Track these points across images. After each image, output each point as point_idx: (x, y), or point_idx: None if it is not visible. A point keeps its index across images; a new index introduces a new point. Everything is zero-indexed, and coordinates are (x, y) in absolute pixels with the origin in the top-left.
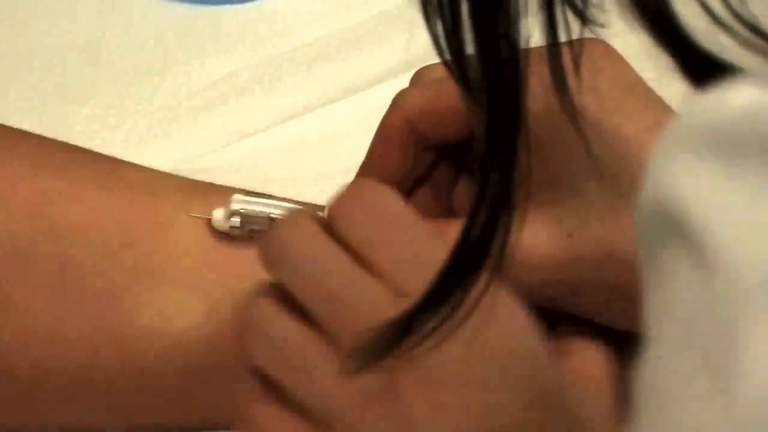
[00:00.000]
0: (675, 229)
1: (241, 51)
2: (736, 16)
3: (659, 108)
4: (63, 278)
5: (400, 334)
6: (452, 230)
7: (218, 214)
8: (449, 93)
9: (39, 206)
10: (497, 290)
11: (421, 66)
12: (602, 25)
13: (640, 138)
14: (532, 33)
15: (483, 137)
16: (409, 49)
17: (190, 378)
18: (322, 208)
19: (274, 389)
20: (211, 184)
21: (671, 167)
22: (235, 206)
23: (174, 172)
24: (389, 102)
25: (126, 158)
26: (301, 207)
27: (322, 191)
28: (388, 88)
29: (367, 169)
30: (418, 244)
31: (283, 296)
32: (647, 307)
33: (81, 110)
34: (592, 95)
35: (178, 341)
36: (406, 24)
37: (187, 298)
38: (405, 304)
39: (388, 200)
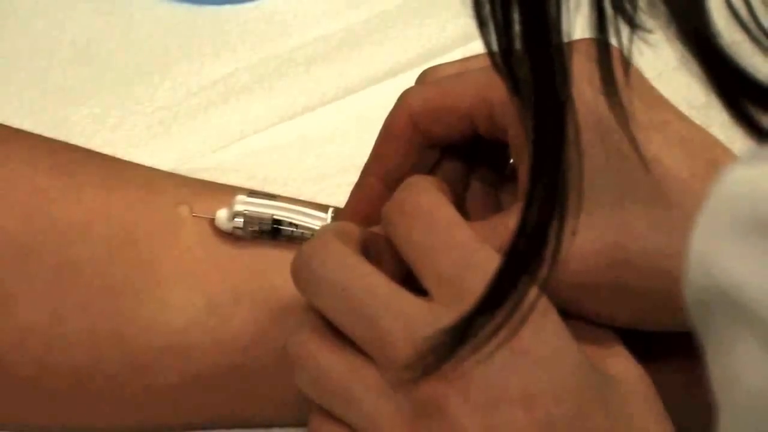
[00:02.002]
0: (736, 312)
1: (241, 51)
2: (756, 21)
3: (658, 102)
4: (63, 276)
5: (456, 341)
6: (497, 232)
7: (221, 215)
8: (454, 92)
9: (39, 205)
10: (538, 298)
11: (421, 65)
12: (650, 31)
13: (643, 135)
14: (579, 35)
15: (531, 140)
16: (409, 48)
17: (191, 376)
18: (326, 207)
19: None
20: (213, 183)
21: (721, 247)
22: (238, 207)
23: (174, 172)
24: (389, 101)
25: (126, 158)
26: (307, 209)
27: (321, 191)
28: (387, 88)
29: (371, 167)
30: (475, 254)
31: (322, 321)
32: (712, 377)
33: (81, 110)
34: (593, 91)
35: (179, 339)
36: (406, 24)
37: (188, 295)
38: (451, 317)
39: (441, 207)
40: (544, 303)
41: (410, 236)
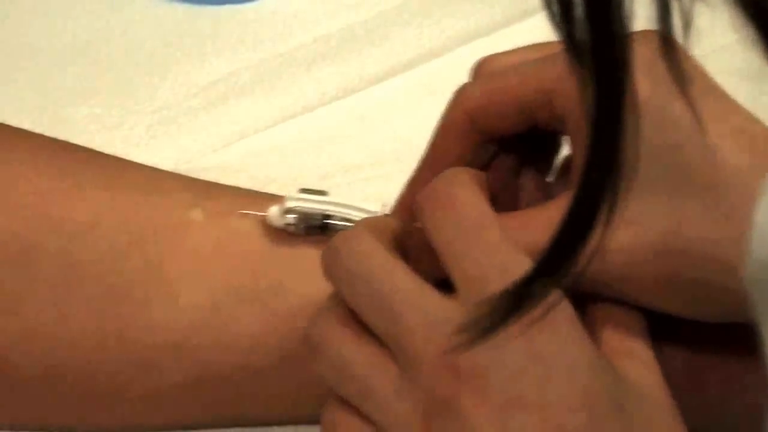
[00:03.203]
0: None
1: (241, 51)
2: None
3: (718, 95)
4: (67, 277)
5: (512, 306)
6: (535, 223)
7: (273, 211)
8: (512, 85)
9: (42, 206)
10: (559, 296)
11: (421, 65)
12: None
13: (703, 124)
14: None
15: (591, 110)
16: (409, 48)
17: (196, 376)
18: (377, 202)
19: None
20: (218, 184)
21: None
22: (290, 204)
23: (175, 172)
24: (389, 101)
25: (126, 158)
26: (358, 203)
27: None
28: (387, 88)
29: (426, 162)
30: (500, 255)
31: (346, 311)
32: None
33: (81, 110)
34: (651, 80)
35: (184, 339)
36: (406, 24)
37: (194, 295)
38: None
39: (475, 203)
40: (564, 307)
41: (440, 230)
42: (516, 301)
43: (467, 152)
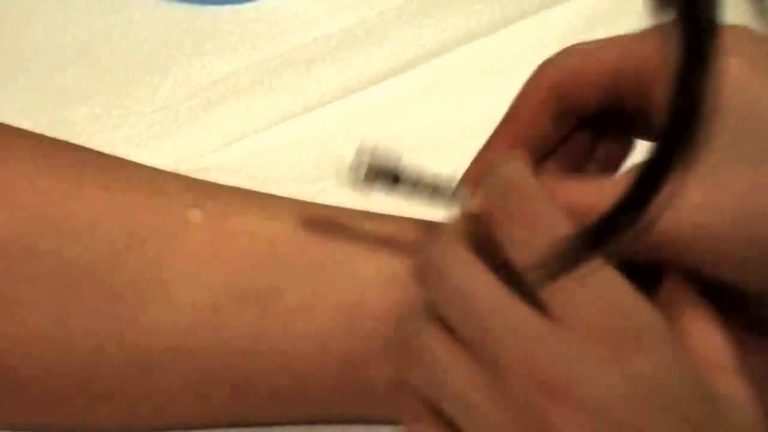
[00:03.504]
0: None
1: (241, 51)
2: None
3: None
4: (66, 278)
5: (590, 245)
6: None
7: (349, 158)
8: (598, 56)
9: (41, 206)
10: (657, 318)
11: (421, 65)
12: None
13: None
14: None
15: (674, 76)
16: (409, 48)
17: (195, 377)
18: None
19: (435, 409)
20: (218, 184)
21: None
22: (363, 157)
23: (176, 172)
24: (389, 102)
25: (126, 158)
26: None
27: (322, 191)
28: (387, 88)
29: (500, 131)
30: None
31: (439, 320)
32: None
33: (81, 110)
34: (740, 57)
35: (183, 340)
36: (406, 24)
37: (193, 296)
38: (561, 334)
39: (539, 202)
40: (658, 326)
41: (516, 243)
42: (594, 239)
43: (544, 125)
